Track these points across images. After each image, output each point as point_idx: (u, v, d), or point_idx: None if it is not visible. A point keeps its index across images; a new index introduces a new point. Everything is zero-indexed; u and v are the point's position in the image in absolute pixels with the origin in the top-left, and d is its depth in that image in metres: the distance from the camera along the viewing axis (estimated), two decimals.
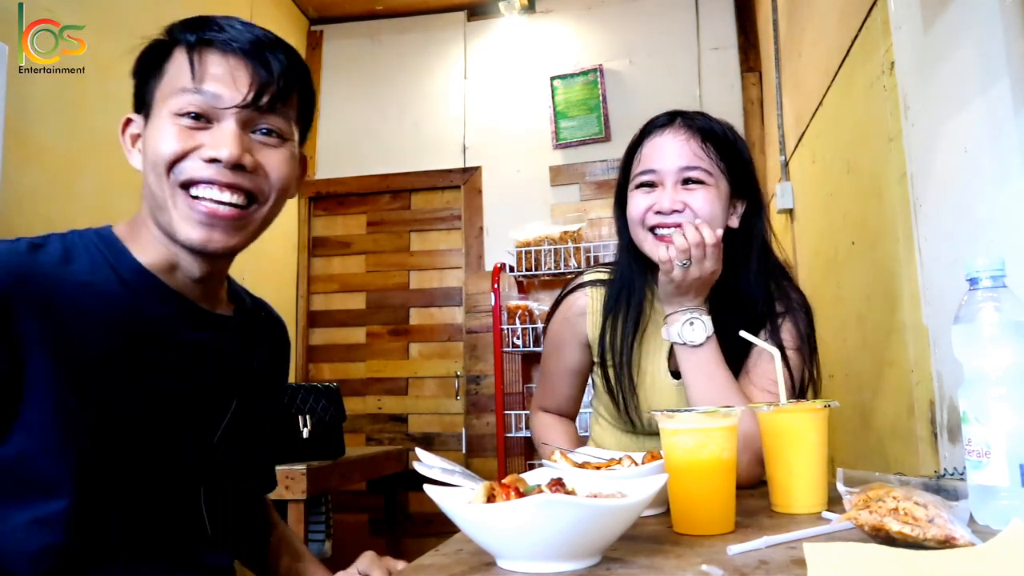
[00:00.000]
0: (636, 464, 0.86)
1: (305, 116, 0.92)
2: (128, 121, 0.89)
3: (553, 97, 3.54)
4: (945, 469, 1.08)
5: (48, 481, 0.74)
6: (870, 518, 0.64)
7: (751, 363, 1.20)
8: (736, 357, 1.18)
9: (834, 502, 0.84)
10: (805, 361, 1.19)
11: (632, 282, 1.25)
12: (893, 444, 1.55)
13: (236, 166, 0.80)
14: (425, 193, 3.72)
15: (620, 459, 0.88)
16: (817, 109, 2.14)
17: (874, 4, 1.54)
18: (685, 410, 0.81)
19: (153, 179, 0.82)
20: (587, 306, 1.30)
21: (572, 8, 3.65)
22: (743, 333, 1.05)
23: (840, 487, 0.73)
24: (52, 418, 0.74)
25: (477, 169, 3.64)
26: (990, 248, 1.08)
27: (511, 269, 3.21)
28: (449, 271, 3.65)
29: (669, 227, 1.15)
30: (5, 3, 1.98)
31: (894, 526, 0.62)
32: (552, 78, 3.54)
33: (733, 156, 1.20)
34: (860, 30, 1.65)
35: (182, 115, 0.81)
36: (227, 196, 0.81)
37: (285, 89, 0.84)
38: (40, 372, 0.74)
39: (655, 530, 0.80)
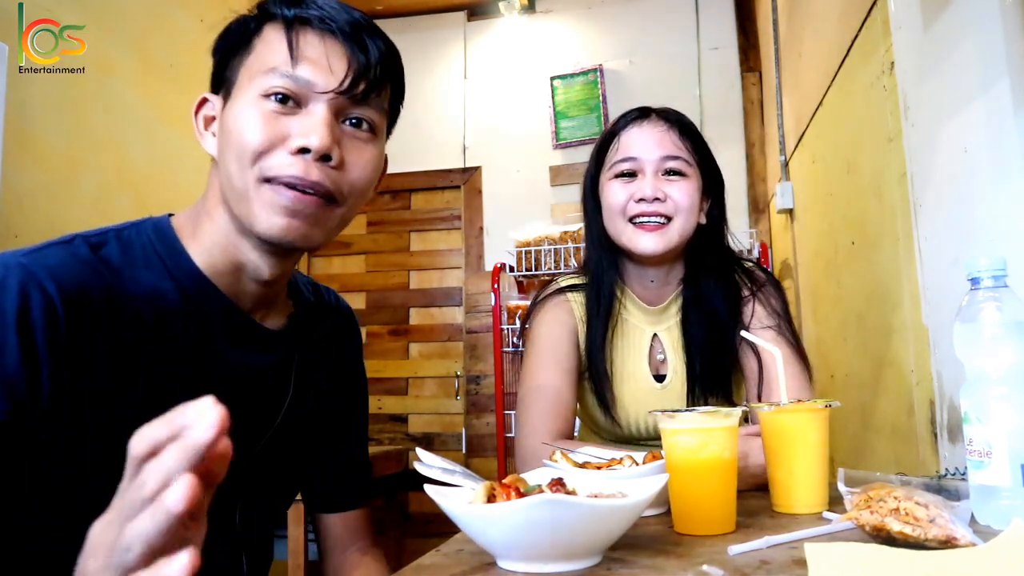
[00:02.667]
0: (637, 464, 0.86)
1: (395, 110, 0.86)
2: (203, 101, 0.80)
3: (553, 97, 3.54)
4: (946, 469, 1.08)
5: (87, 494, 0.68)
6: (871, 518, 0.64)
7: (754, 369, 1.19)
8: (715, 350, 1.19)
9: (835, 502, 0.83)
10: (787, 335, 1.19)
11: (602, 278, 1.23)
12: (893, 444, 1.55)
13: (322, 157, 0.74)
14: (425, 193, 3.71)
15: (621, 459, 0.88)
16: (817, 109, 2.14)
17: (874, 4, 1.54)
18: (686, 410, 0.81)
19: (235, 168, 0.74)
20: (574, 310, 1.27)
21: (572, 8, 3.65)
22: (744, 333, 1.06)
23: (841, 487, 0.73)
24: (102, 430, 0.69)
25: (477, 169, 3.64)
26: (990, 248, 1.08)
27: (511, 269, 3.21)
28: (449, 271, 3.65)
29: (650, 216, 1.15)
30: (5, 3, 1.97)
31: (895, 526, 0.62)
32: (552, 78, 3.54)
33: (705, 152, 1.22)
34: (860, 30, 1.65)
35: (269, 96, 0.74)
36: (309, 191, 0.75)
37: (381, 77, 0.79)
38: (99, 385, 0.69)
39: (656, 530, 0.80)
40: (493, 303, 3.12)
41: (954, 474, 0.98)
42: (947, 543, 0.60)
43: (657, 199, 1.15)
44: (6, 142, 1.86)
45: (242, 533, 0.84)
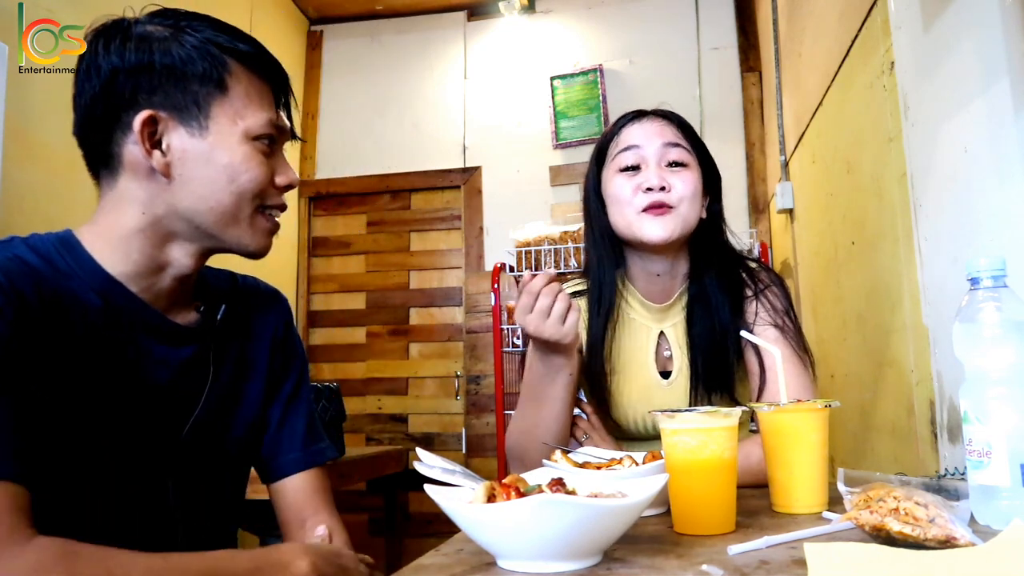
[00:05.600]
0: (637, 464, 0.86)
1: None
2: (152, 121, 0.82)
3: (553, 97, 3.54)
4: (946, 469, 1.09)
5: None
6: (871, 518, 0.64)
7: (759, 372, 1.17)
8: (718, 348, 1.19)
9: (835, 502, 0.84)
10: (791, 335, 1.18)
11: (603, 277, 1.23)
12: (893, 444, 1.55)
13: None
14: (425, 193, 3.72)
15: (621, 459, 0.88)
16: (817, 109, 2.14)
17: (874, 4, 1.54)
18: (686, 410, 0.81)
19: (229, 199, 0.86)
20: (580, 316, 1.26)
21: (572, 8, 3.65)
22: (744, 333, 1.06)
23: (841, 487, 0.73)
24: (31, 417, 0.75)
25: (477, 169, 3.64)
26: (990, 248, 1.08)
27: (511, 269, 3.21)
28: (449, 271, 3.65)
29: (657, 204, 1.15)
30: (5, 3, 1.97)
31: (895, 526, 0.62)
32: (552, 78, 3.54)
33: (702, 148, 1.24)
34: (860, 30, 1.65)
35: (260, 138, 0.87)
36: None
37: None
38: (42, 372, 0.76)
39: (656, 530, 0.80)
40: (493, 303, 3.12)
41: (954, 474, 0.98)
42: (947, 543, 0.60)
43: (663, 188, 1.16)
44: (6, 142, 1.86)
45: (177, 509, 0.92)
